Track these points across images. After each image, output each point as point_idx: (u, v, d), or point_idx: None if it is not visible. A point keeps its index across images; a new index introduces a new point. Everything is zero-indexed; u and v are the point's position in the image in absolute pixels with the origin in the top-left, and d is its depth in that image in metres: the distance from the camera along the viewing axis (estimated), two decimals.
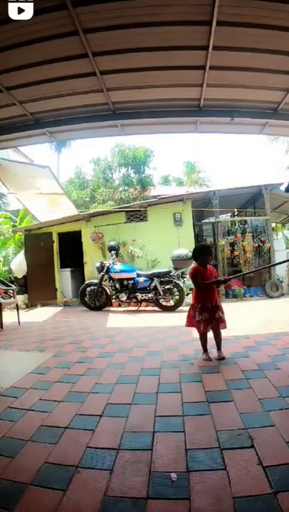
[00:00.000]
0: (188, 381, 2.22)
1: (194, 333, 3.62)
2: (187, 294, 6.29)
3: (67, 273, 8.26)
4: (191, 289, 6.82)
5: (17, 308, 5.24)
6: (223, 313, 2.77)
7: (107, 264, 6.28)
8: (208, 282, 2.74)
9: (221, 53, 3.20)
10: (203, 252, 2.80)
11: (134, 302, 6.23)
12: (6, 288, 5.52)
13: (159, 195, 9.14)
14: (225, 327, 2.76)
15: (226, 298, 7.35)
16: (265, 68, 3.44)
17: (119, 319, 5.37)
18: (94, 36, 2.95)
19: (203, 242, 2.67)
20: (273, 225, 10.37)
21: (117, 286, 6.28)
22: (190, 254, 5.92)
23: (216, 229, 8.02)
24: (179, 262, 5.89)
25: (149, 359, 2.80)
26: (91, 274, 7.53)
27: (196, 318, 2.70)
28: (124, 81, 3.70)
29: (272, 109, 4.22)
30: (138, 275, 6.24)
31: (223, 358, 2.66)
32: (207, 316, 2.68)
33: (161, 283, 5.98)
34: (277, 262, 7.53)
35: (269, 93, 3.91)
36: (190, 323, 2.79)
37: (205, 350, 2.74)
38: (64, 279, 8.22)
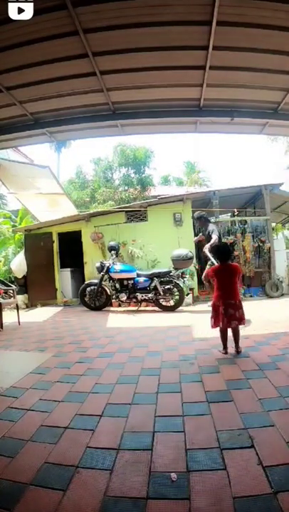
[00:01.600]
0: (188, 381, 2.22)
1: (194, 333, 3.63)
2: (187, 294, 6.28)
3: (67, 273, 8.26)
4: (191, 289, 6.83)
5: (17, 308, 5.24)
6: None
7: (107, 264, 6.27)
8: None
9: (221, 53, 3.20)
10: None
11: (134, 302, 6.22)
12: (6, 288, 5.52)
13: (159, 195, 9.13)
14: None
15: None
16: (265, 68, 3.44)
17: (119, 319, 5.36)
18: (94, 36, 2.95)
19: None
20: (273, 225, 10.36)
21: (117, 286, 6.28)
22: (190, 254, 5.92)
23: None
24: (179, 262, 5.89)
25: (149, 359, 2.80)
26: (91, 274, 7.53)
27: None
28: (124, 81, 3.70)
29: (272, 109, 4.21)
30: (138, 275, 6.23)
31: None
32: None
33: (161, 283, 5.98)
34: (274, 261, 7.56)
35: (269, 93, 3.91)
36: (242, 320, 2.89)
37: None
38: (64, 279, 8.22)
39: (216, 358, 2.71)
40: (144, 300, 6.11)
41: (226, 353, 2.77)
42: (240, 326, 2.81)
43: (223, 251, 3.00)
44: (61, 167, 22.54)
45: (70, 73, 3.48)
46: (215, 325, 2.80)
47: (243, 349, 2.92)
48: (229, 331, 2.80)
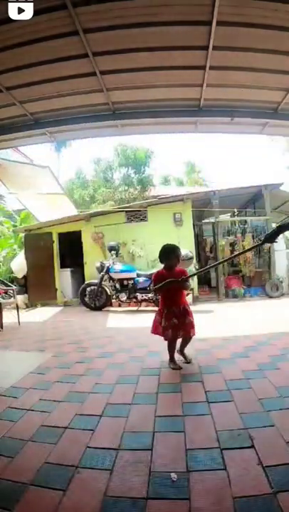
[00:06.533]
0: (188, 381, 2.22)
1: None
2: (187, 294, 6.28)
3: (67, 273, 8.26)
4: (191, 289, 6.83)
5: (17, 308, 5.24)
6: (192, 318, 2.59)
7: (107, 264, 6.28)
8: (162, 284, 2.49)
9: (221, 53, 3.20)
10: (167, 254, 2.60)
11: (134, 302, 6.23)
12: (6, 288, 5.52)
13: (159, 195, 9.15)
14: (194, 334, 2.60)
15: (226, 298, 7.35)
16: (265, 68, 3.44)
17: (119, 319, 5.36)
18: (94, 36, 2.95)
19: (170, 244, 2.40)
20: (273, 225, 10.36)
21: (117, 286, 6.28)
22: (190, 254, 5.91)
23: (216, 229, 8.02)
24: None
25: (149, 359, 2.80)
26: (91, 274, 7.53)
27: (162, 324, 2.53)
28: (124, 81, 3.70)
29: (272, 109, 4.22)
30: (138, 275, 6.23)
31: (190, 361, 2.59)
32: (176, 322, 2.50)
33: None
34: (274, 261, 7.57)
35: (269, 93, 3.91)
36: (155, 329, 2.61)
37: (172, 358, 2.56)
38: (64, 279, 8.21)
39: (216, 358, 2.71)
40: (144, 300, 6.11)
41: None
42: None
43: (159, 252, 2.69)
44: (61, 167, 22.50)
45: (70, 73, 3.48)
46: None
47: (243, 349, 2.92)
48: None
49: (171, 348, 2.58)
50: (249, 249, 5.54)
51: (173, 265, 2.59)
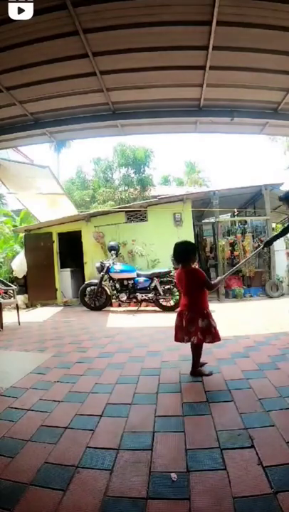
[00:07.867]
0: (188, 381, 2.22)
1: None
2: None
3: (67, 273, 8.26)
4: None
5: (17, 308, 5.24)
6: None
7: (107, 264, 6.27)
8: (219, 281, 2.58)
9: (221, 53, 3.20)
10: (194, 252, 2.44)
11: (134, 302, 6.22)
12: (6, 288, 5.51)
13: (159, 195, 9.15)
14: None
15: (226, 298, 7.35)
16: (265, 68, 3.45)
17: (119, 319, 5.36)
18: (94, 36, 2.95)
19: (186, 240, 2.17)
20: (273, 225, 10.36)
21: (117, 286, 6.28)
22: None
23: (216, 229, 8.02)
24: None
25: (149, 359, 2.80)
26: (91, 274, 7.53)
27: (214, 325, 2.27)
28: (124, 81, 3.71)
29: (272, 109, 4.22)
30: (138, 275, 6.23)
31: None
32: None
33: (161, 283, 5.98)
34: (274, 261, 7.57)
35: (269, 93, 3.91)
36: (216, 337, 2.26)
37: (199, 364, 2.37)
38: (64, 279, 8.22)
39: (216, 358, 2.71)
40: (144, 300, 6.11)
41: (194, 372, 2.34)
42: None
43: (190, 251, 2.44)
44: (61, 167, 22.50)
45: (70, 73, 3.48)
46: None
47: (243, 349, 2.91)
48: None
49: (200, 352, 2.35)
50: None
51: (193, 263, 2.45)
